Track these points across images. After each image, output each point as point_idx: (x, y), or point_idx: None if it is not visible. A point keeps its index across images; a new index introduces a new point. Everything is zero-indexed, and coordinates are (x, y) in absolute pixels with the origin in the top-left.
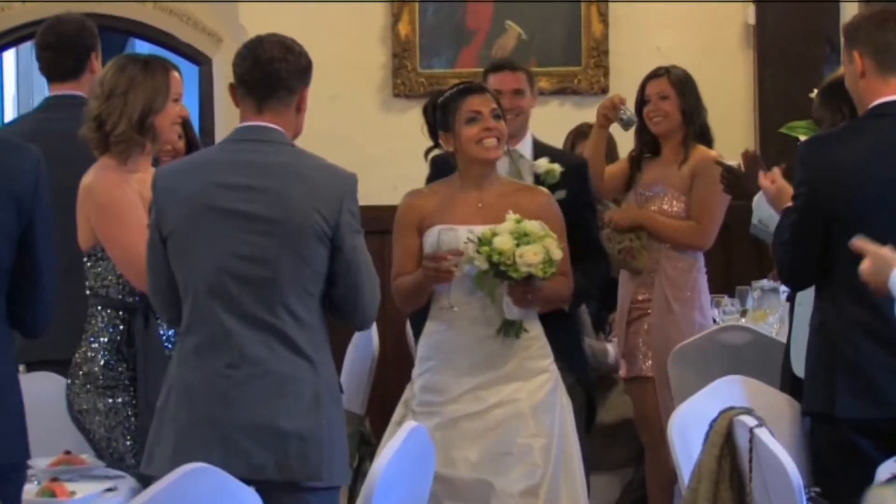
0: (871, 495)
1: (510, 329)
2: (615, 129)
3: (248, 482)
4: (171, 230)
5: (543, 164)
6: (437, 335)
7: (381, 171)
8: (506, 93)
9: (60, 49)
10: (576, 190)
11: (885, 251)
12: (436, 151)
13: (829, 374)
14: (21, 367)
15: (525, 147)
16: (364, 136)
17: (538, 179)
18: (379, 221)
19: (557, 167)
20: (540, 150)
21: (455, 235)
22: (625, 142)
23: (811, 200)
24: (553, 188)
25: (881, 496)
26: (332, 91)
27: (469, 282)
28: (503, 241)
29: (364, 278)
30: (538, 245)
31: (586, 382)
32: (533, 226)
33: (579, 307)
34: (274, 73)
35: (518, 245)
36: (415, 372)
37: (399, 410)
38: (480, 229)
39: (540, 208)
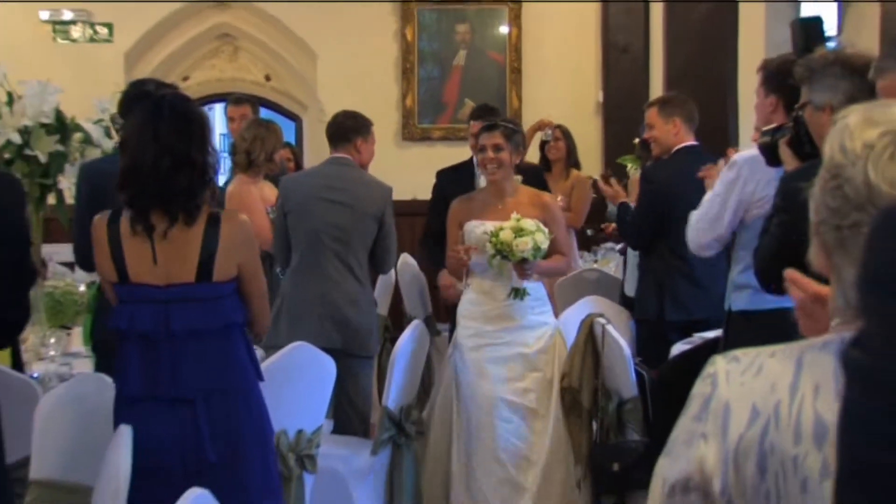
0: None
1: (517, 294)
2: None
3: (325, 351)
4: (290, 209)
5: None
6: (466, 301)
7: (396, 182)
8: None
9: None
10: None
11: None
12: (439, 167)
13: (657, 296)
14: None
15: None
16: (386, 162)
17: None
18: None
19: (517, 176)
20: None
21: (480, 229)
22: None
23: (650, 200)
24: None
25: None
26: (382, 130)
27: (483, 265)
28: (505, 234)
29: (392, 243)
30: (529, 237)
31: None
32: (528, 223)
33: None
34: (341, 129)
35: (515, 237)
36: (459, 323)
37: (450, 348)
38: (493, 225)
39: (545, 208)
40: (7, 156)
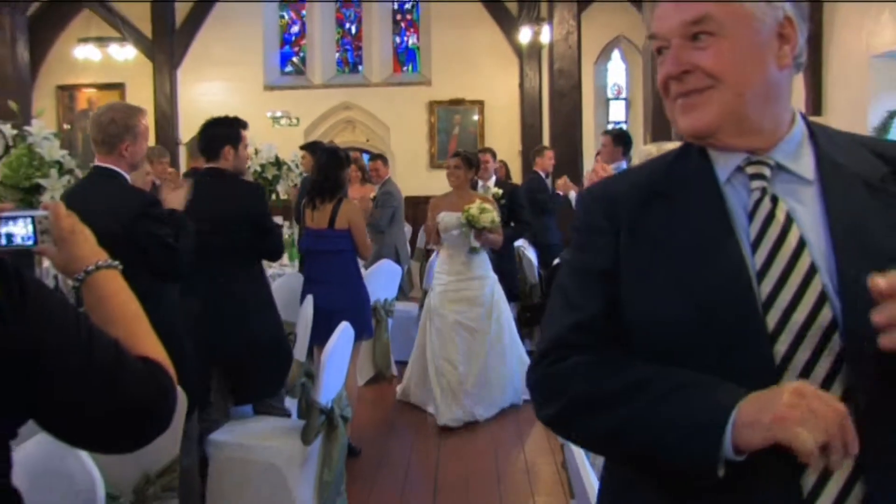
0: (637, 150)
1: (473, 251)
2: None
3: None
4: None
5: (494, 189)
6: (440, 260)
7: (426, 190)
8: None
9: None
10: (509, 198)
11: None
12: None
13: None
14: None
15: (491, 181)
16: (419, 180)
17: (494, 196)
18: (422, 205)
19: (499, 190)
20: (498, 182)
21: (450, 216)
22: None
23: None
24: (501, 199)
25: (646, 150)
26: (415, 164)
27: (454, 238)
28: (473, 210)
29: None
30: (489, 214)
31: (511, 282)
32: (488, 206)
33: (509, 247)
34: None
35: (480, 213)
36: (435, 271)
37: (428, 293)
38: (458, 214)
39: (490, 204)
40: (257, 178)
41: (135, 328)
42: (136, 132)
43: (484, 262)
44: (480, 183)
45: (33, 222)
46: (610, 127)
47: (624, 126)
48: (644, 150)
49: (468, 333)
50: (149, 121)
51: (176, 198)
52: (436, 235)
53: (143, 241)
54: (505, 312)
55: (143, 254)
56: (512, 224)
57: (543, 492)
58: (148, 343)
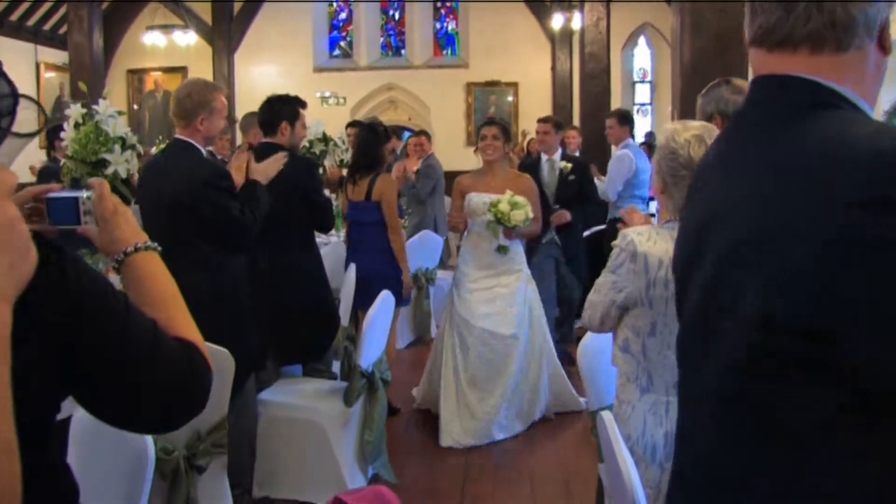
0: (662, 128)
1: (501, 250)
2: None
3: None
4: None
5: (563, 163)
6: (465, 250)
7: (465, 165)
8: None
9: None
10: (580, 174)
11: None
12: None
13: None
14: None
15: (557, 156)
16: (457, 156)
17: (562, 171)
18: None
19: (569, 164)
20: (565, 156)
21: (479, 199)
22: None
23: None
24: (568, 174)
25: (671, 128)
26: (454, 142)
27: (482, 226)
28: (503, 206)
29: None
30: (522, 210)
31: (577, 269)
32: (520, 199)
33: (576, 232)
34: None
35: (511, 209)
36: (457, 266)
37: (451, 285)
38: (490, 197)
39: (525, 185)
40: (307, 153)
41: (173, 310)
42: (212, 108)
43: (519, 253)
44: (545, 157)
45: (77, 203)
46: (636, 108)
47: (649, 107)
48: (669, 129)
49: (498, 344)
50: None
51: (261, 169)
52: (463, 223)
53: (206, 210)
54: (538, 310)
55: (206, 222)
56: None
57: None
58: (185, 325)
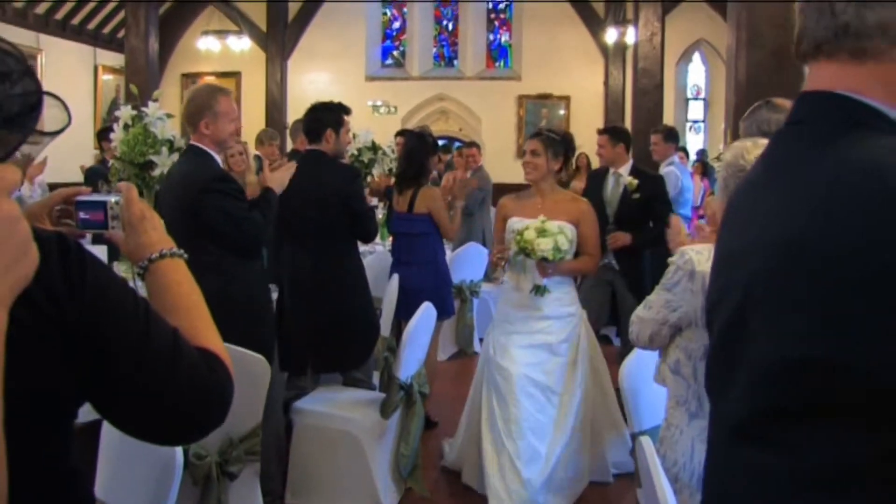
0: (731, 146)
1: (538, 290)
2: None
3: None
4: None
5: (629, 179)
6: (509, 283)
7: (515, 177)
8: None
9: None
10: (649, 190)
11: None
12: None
13: None
14: None
15: (625, 169)
16: (507, 169)
17: (626, 188)
18: (508, 190)
19: (635, 181)
20: (634, 170)
21: (521, 224)
22: None
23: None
24: (633, 192)
25: (741, 146)
26: (504, 154)
27: (517, 262)
28: (528, 234)
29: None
30: (550, 239)
31: (638, 290)
32: (551, 225)
33: (640, 252)
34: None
35: (537, 237)
36: (499, 303)
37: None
38: (525, 223)
39: (580, 211)
40: (355, 161)
41: (195, 319)
42: (215, 111)
43: (568, 294)
44: (612, 170)
45: (105, 207)
46: (689, 125)
47: (702, 125)
48: (739, 146)
49: (543, 395)
50: (237, 102)
51: (275, 177)
52: (505, 255)
53: (206, 215)
54: (596, 358)
55: (209, 227)
56: (650, 224)
57: None
58: (208, 335)
